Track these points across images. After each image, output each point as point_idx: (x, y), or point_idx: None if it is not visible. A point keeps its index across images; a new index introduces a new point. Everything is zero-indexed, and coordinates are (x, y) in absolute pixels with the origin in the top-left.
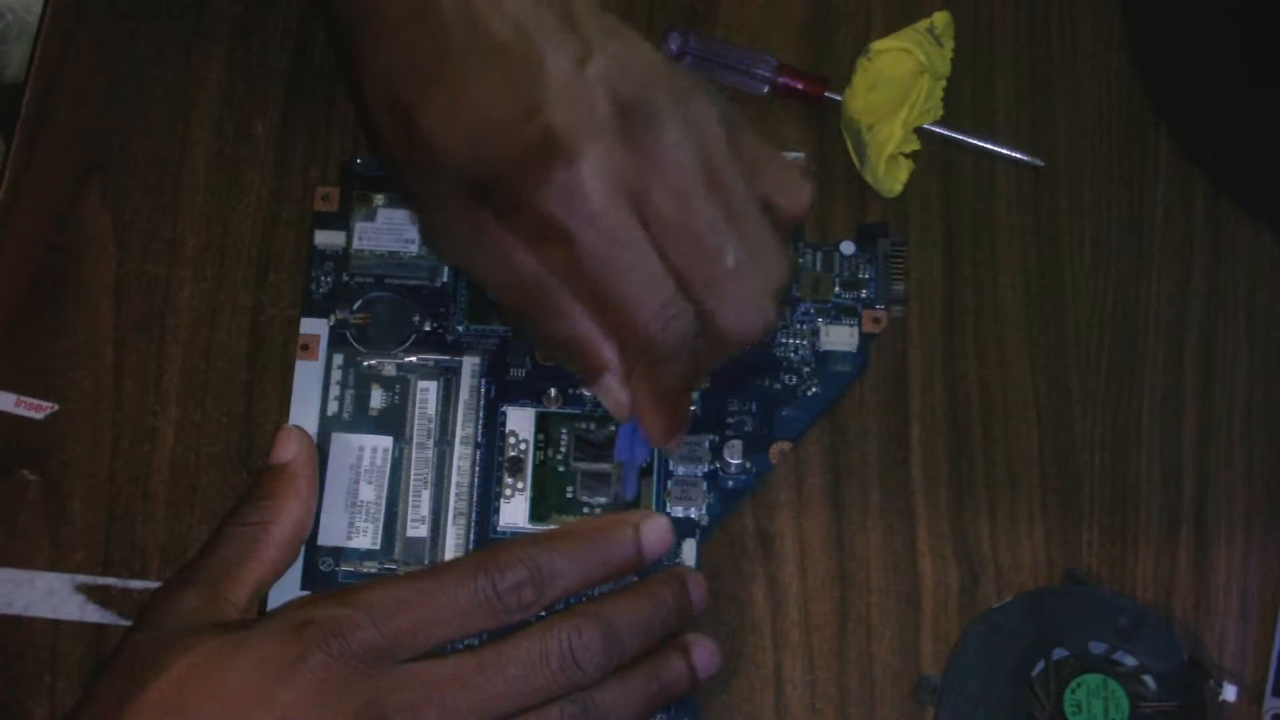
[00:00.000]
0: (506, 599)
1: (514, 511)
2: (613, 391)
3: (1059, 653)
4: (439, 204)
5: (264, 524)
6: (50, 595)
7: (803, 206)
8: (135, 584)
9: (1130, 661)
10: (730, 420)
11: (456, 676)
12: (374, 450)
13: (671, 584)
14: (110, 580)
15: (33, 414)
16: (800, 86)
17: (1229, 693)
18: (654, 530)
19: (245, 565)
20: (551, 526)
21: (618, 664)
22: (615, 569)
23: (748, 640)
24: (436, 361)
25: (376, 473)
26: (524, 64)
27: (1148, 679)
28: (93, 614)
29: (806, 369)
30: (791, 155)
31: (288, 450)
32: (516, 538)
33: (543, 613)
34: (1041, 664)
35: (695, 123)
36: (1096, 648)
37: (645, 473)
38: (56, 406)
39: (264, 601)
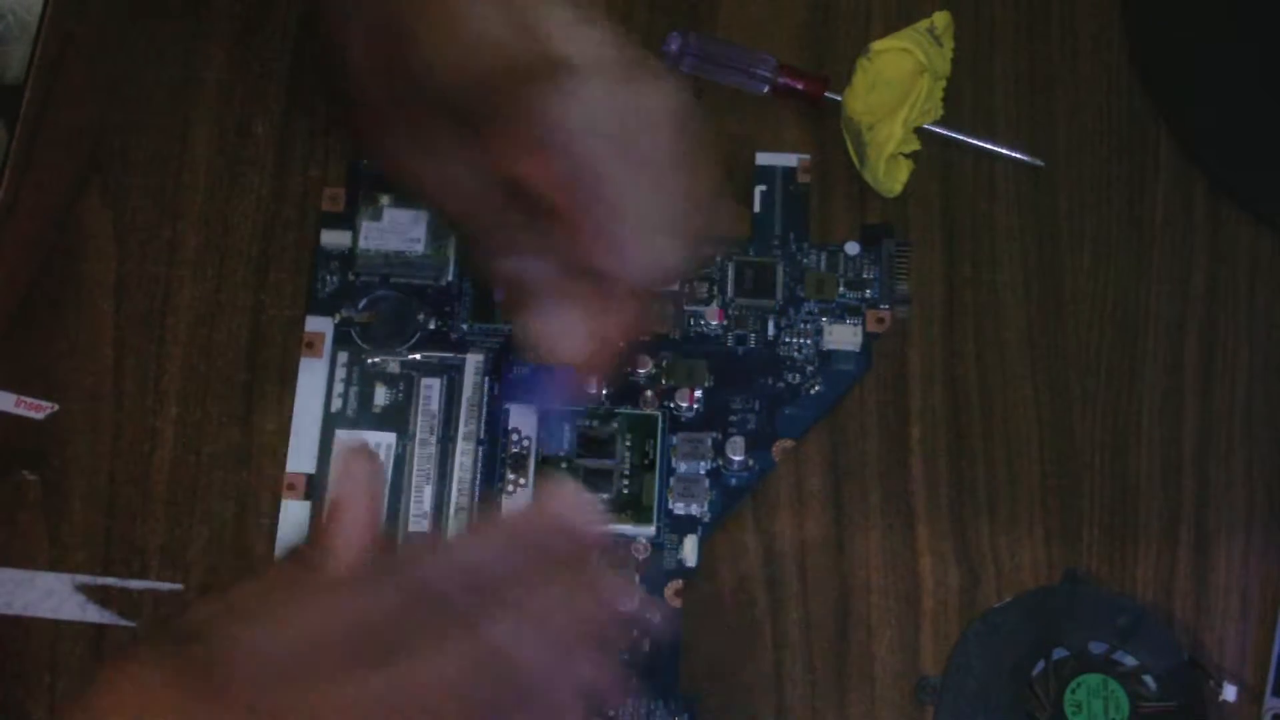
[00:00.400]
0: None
1: (516, 507)
2: (554, 322)
3: (1059, 653)
4: (411, 131)
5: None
6: (50, 595)
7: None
8: (135, 584)
9: (1130, 661)
10: (733, 418)
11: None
12: (377, 446)
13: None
14: (110, 580)
15: (33, 414)
16: (800, 86)
17: (1229, 693)
18: (563, 499)
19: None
20: None
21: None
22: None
23: (748, 640)
24: (440, 359)
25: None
26: (530, 7)
27: (1148, 679)
28: (93, 614)
29: (810, 368)
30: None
31: (349, 484)
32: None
33: None
34: (1041, 664)
35: (676, 96)
36: (1096, 648)
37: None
38: (56, 406)
39: None
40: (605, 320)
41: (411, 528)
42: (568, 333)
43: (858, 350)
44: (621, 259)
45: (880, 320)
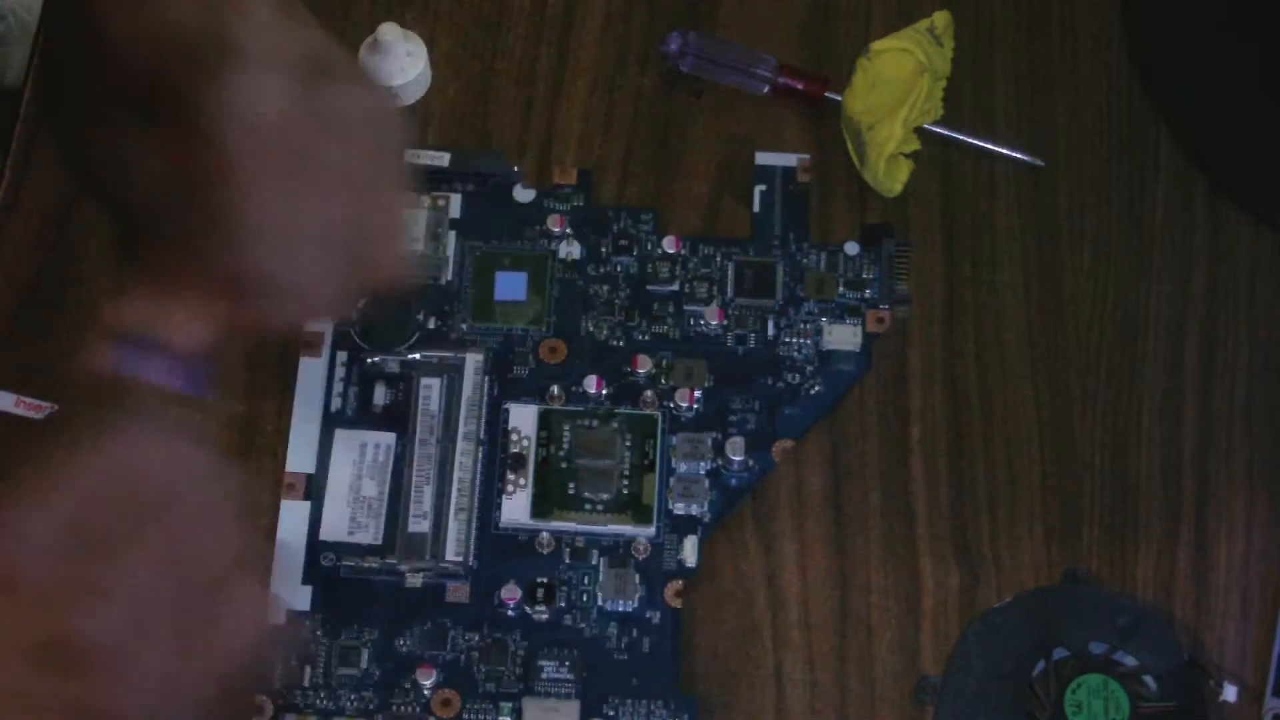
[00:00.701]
0: None
1: (516, 507)
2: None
3: (1059, 653)
4: (94, 123)
5: None
6: None
7: None
8: None
9: (1130, 661)
10: (733, 418)
11: None
12: (377, 446)
13: None
14: None
15: (33, 414)
16: (800, 86)
17: (1229, 693)
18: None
19: None
20: (556, 523)
21: None
22: None
23: (748, 640)
24: (440, 359)
25: (379, 469)
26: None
27: (1148, 679)
28: None
29: (810, 368)
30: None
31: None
32: None
33: None
34: (1041, 664)
35: (378, 105)
36: (1096, 648)
37: None
38: (56, 406)
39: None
40: (225, 323)
41: (411, 528)
42: (184, 319)
43: (857, 350)
44: (262, 272)
45: (880, 320)
